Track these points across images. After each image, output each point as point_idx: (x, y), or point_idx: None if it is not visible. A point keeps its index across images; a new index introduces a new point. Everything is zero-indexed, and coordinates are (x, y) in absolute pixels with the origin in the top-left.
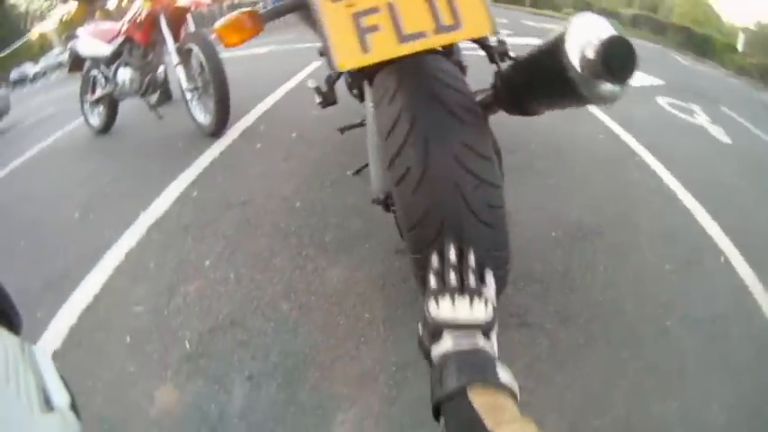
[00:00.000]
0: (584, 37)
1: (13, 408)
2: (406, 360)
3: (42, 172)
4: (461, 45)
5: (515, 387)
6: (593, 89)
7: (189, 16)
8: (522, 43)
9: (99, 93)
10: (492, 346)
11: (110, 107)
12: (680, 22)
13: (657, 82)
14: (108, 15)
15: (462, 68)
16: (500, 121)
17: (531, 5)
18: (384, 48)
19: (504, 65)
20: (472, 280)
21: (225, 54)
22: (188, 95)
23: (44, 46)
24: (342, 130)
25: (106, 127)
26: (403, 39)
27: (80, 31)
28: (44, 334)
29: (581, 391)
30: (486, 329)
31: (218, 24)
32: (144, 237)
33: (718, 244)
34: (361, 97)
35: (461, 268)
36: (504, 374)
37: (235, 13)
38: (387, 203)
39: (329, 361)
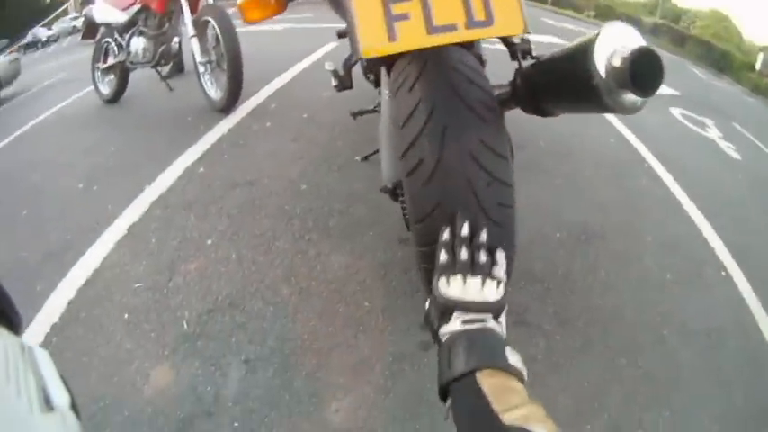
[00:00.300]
0: (612, 45)
1: (13, 407)
2: (404, 351)
3: (48, 139)
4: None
5: (524, 371)
6: (616, 98)
7: None
8: (539, 41)
9: (111, 61)
10: (501, 328)
11: (121, 76)
12: (700, 36)
13: (673, 92)
14: None
15: (482, 62)
16: (511, 116)
17: (552, 4)
18: (412, 38)
19: (526, 63)
20: (483, 258)
21: (241, 29)
22: (201, 69)
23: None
24: (354, 115)
25: (116, 96)
26: (433, 30)
27: None
28: (43, 307)
29: (574, 395)
30: (496, 311)
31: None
32: (147, 212)
33: (719, 257)
34: (377, 83)
35: (473, 245)
36: (513, 357)
37: None
38: (395, 193)
39: (326, 348)
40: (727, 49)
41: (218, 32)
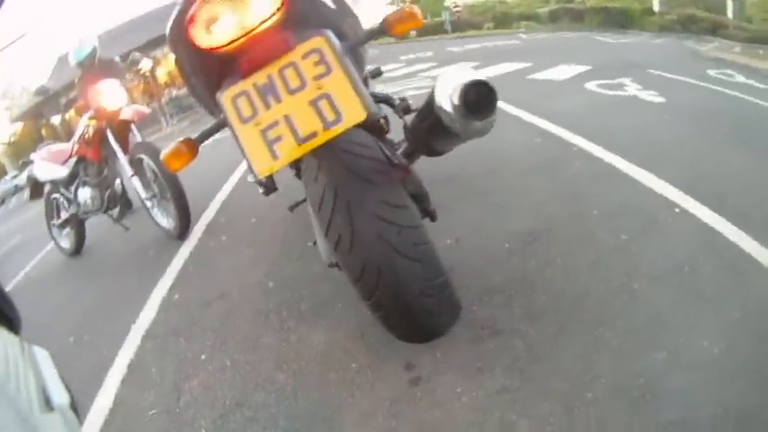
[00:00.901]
0: (451, 86)
1: (13, 407)
2: (397, 394)
3: (24, 304)
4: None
5: None
6: (467, 128)
7: (133, 127)
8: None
9: (64, 215)
10: None
11: (77, 228)
12: (596, 4)
13: (583, 69)
14: (54, 132)
15: (381, 129)
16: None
17: (452, 31)
18: (288, 152)
19: (409, 118)
20: None
21: None
22: (148, 204)
23: None
24: (291, 209)
25: (78, 247)
26: (300, 141)
27: (34, 155)
28: None
29: (565, 376)
30: None
31: (162, 155)
32: (140, 347)
33: (669, 198)
34: (299, 175)
35: None
36: None
37: (174, 144)
38: (337, 265)
39: (330, 412)
40: (624, 6)
41: (154, 167)
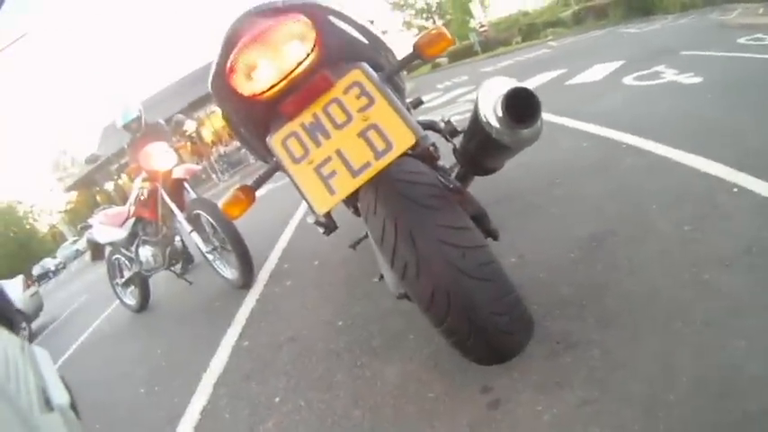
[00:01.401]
0: (492, 99)
1: (13, 407)
2: (476, 418)
3: (95, 358)
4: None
5: None
6: (512, 138)
7: (186, 185)
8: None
9: (127, 274)
10: None
11: (141, 285)
12: None
13: (617, 64)
14: (108, 197)
15: (432, 156)
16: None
17: (483, 52)
18: (344, 186)
19: (457, 140)
20: None
21: None
22: (209, 257)
23: (56, 236)
24: (353, 246)
25: (143, 304)
26: (355, 173)
27: (92, 220)
28: None
29: (645, 378)
30: None
31: (221, 204)
32: (212, 394)
33: (726, 179)
34: (357, 212)
35: None
36: None
37: (231, 192)
38: (407, 296)
39: None
40: None
41: (212, 220)
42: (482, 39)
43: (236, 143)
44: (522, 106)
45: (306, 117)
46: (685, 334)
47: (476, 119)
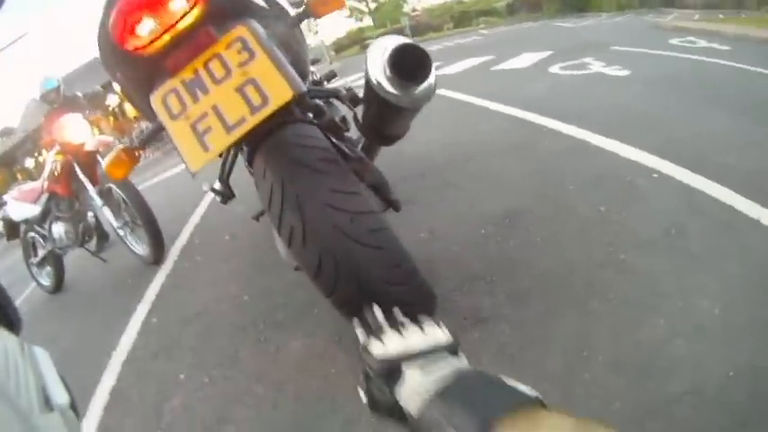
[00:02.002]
0: (380, 60)
1: (13, 407)
2: None
3: None
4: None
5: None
6: (407, 98)
7: (99, 158)
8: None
9: (41, 253)
10: (464, 362)
11: (55, 264)
12: None
13: (545, 54)
14: (29, 175)
15: (337, 127)
16: (403, 153)
17: (413, 36)
18: (218, 142)
19: (358, 109)
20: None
21: (141, 186)
22: (120, 232)
23: None
24: (256, 218)
25: (58, 283)
26: (229, 129)
27: (6, 197)
28: None
29: (561, 356)
30: (453, 348)
31: (103, 165)
32: (120, 373)
33: (646, 165)
34: None
35: (389, 316)
36: (520, 385)
37: (114, 151)
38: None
39: (314, 421)
40: None
41: (123, 195)
42: (414, 23)
43: None
44: (411, 64)
45: (187, 73)
46: (601, 312)
47: (368, 83)
